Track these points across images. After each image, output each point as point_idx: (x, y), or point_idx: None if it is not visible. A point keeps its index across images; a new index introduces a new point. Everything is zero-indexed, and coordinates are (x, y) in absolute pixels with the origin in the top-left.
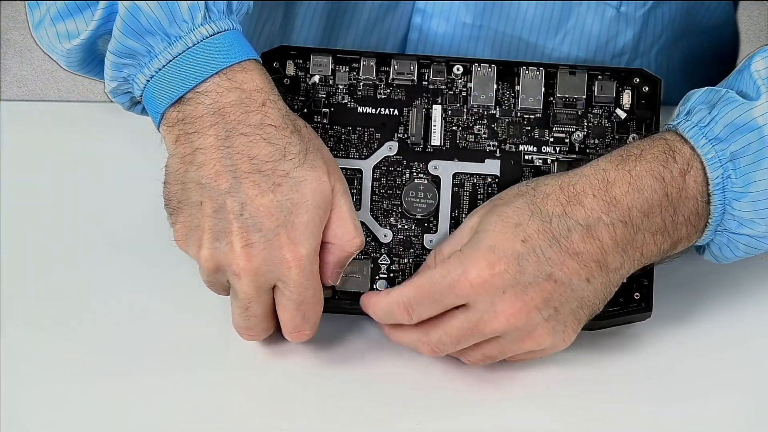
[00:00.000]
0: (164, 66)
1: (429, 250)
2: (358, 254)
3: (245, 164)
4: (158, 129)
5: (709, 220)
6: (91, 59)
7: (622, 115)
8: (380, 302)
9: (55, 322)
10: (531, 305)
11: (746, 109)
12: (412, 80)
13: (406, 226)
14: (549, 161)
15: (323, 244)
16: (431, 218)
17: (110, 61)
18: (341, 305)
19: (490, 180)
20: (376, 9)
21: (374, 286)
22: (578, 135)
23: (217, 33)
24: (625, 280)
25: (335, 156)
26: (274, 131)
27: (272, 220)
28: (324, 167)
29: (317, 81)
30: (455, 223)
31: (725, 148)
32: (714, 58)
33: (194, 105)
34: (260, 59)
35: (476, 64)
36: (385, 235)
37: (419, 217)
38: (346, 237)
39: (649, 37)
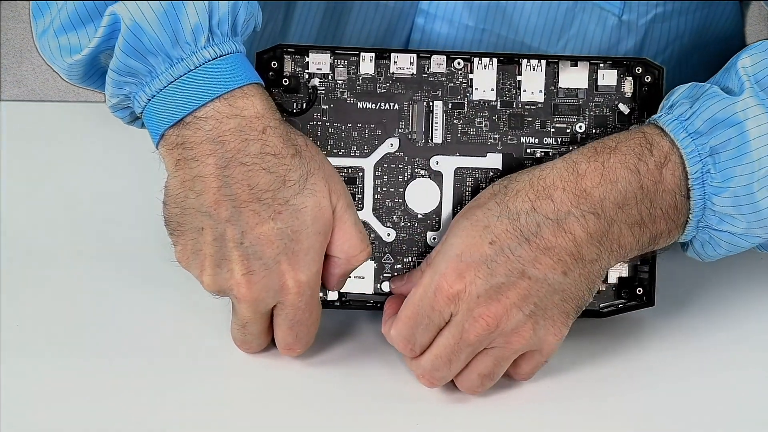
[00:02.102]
0: (165, 87)
1: (432, 248)
2: None
3: (245, 193)
4: (157, 148)
5: (690, 216)
6: (93, 73)
7: (626, 110)
8: (388, 337)
9: (54, 322)
10: (508, 304)
11: (728, 103)
12: (412, 74)
13: (408, 224)
14: (551, 153)
15: (330, 258)
16: (434, 215)
17: (111, 78)
18: (347, 304)
19: (492, 174)
20: (381, 10)
21: (379, 286)
22: (580, 125)
23: (220, 56)
24: (622, 274)
25: (336, 155)
26: (274, 159)
27: (273, 248)
28: (325, 189)
29: (317, 84)
30: None
31: (705, 142)
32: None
33: (194, 130)
34: (263, 83)
35: (477, 57)
36: (389, 234)
37: (421, 215)
38: (353, 251)
39: (652, 47)
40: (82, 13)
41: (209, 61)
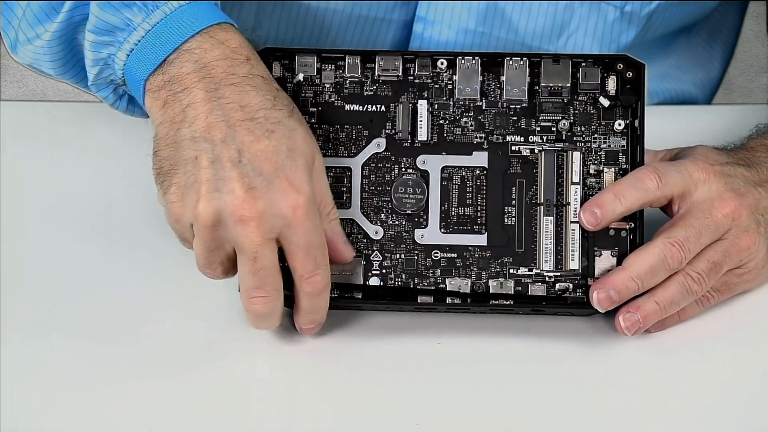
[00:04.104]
0: (144, 36)
1: (420, 245)
2: None
3: (237, 113)
4: (143, 102)
5: None
6: (76, 61)
7: (606, 103)
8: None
9: (54, 322)
10: (745, 205)
11: None
12: (398, 76)
13: (396, 222)
14: (536, 151)
15: None
16: (421, 213)
17: (89, 41)
18: (335, 303)
19: (478, 172)
20: (380, 18)
21: (367, 283)
22: (564, 123)
23: None
24: None
25: (323, 155)
26: (263, 82)
27: (271, 164)
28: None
29: (301, 80)
30: (445, 216)
31: None
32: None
33: (179, 64)
34: (237, 26)
35: (460, 57)
36: (376, 232)
37: (409, 212)
38: (325, 208)
39: (651, 32)
40: (45, 6)
41: (184, 4)
